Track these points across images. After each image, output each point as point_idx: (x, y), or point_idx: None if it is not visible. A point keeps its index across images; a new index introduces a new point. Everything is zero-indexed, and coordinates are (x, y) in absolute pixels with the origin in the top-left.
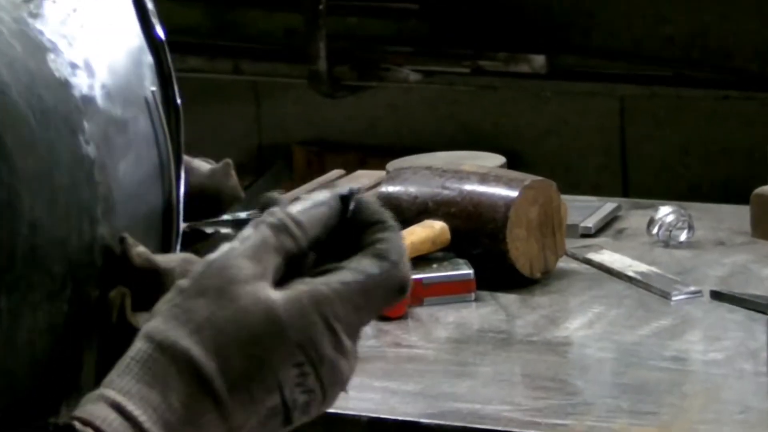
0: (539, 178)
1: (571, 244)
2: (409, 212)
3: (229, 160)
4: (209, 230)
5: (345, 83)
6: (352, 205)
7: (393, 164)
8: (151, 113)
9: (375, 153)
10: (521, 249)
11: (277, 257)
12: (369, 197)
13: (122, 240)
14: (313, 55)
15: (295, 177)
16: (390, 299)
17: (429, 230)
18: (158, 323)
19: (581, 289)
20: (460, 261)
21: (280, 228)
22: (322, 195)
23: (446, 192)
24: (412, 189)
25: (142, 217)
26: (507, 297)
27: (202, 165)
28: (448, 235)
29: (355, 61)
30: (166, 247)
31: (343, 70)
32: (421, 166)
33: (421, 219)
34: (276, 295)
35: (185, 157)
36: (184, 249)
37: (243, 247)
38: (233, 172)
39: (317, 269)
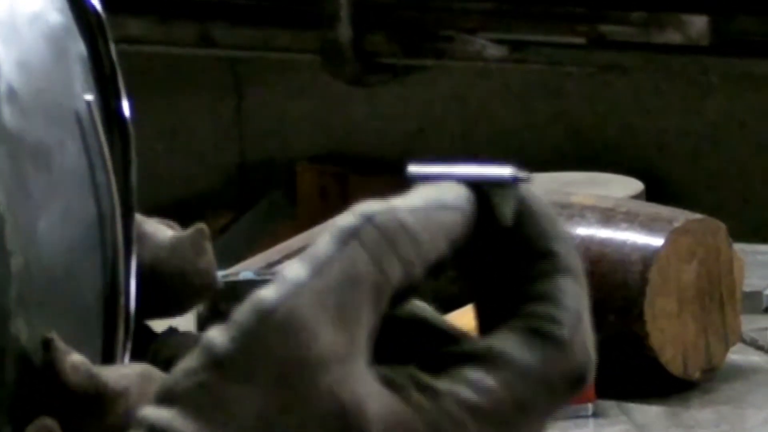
0: (698, 216)
1: (751, 323)
2: None
3: (202, 227)
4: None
5: (382, 62)
6: (503, 207)
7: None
8: (86, 137)
9: None
10: (669, 332)
11: (374, 307)
12: (537, 193)
13: (48, 343)
14: (330, 16)
15: (299, 214)
16: (560, 399)
17: None
18: (171, 416)
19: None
20: None
21: (383, 247)
22: (452, 185)
23: None
24: None
25: (75, 306)
26: (646, 410)
27: (160, 231)
28: None
29: (399, 27)
30: (108, 354)
31: (378, 40)
32: None
33: None
34: (376, 406)
35: (136, 216)
36: (135, 357)
37: (320, 286)
38: (208, 246)
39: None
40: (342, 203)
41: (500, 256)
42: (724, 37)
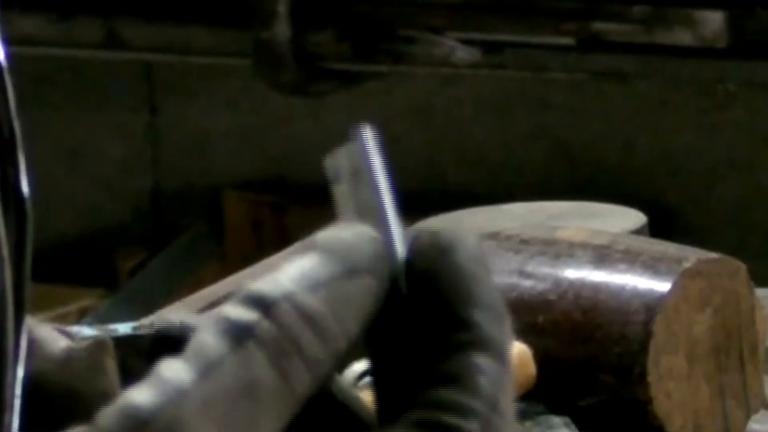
0: (713, 255)
1: None
2: None
3: (105, 339)
4: None
5: (329, 67)
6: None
7: (424, 227)
8: None
9: None
10: (677, 396)
11: (274, 420)
12: (468, 240)
13: None
14: (265, 11)
15: (228, 252)
16: None
17: None
18: None
19: None
20: (556, 420)
21: (284, 347)
22: (363, 232)
23: (529, 283)
24: None
25: None
26: None
27: (52, 338)
28: (532, 370)
29: (349, 24)
30: None
31: (324, 40)
32: (479, 231)
33: None
34: None
35: (28, 320)
36: None
37: (208, 393)
38: (110, 364)
39: None
40: (279, 239)
41: (408, 321)
42: (743, 37)
